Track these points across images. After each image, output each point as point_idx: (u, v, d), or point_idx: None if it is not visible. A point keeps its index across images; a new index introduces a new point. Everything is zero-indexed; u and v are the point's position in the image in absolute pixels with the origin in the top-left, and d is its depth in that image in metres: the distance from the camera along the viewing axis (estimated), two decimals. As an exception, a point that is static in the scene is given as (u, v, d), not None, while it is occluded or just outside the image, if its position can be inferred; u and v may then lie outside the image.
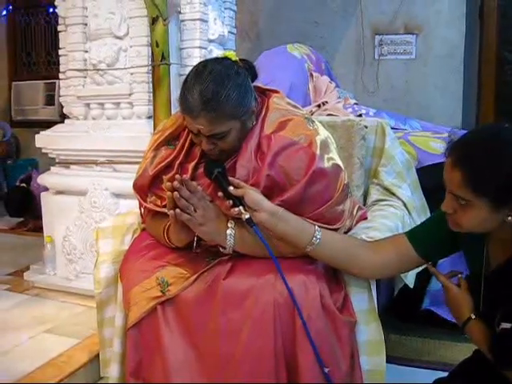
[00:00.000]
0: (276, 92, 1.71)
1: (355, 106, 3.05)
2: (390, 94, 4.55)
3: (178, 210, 1.49)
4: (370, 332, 1.56)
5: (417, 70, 4.48)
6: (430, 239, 1.51)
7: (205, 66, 1.54)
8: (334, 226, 1.59)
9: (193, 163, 1.67)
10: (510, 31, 4.39)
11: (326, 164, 1.57)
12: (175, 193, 1.47)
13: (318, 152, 1.56)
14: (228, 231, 1.54)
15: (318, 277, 1.51)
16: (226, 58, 1.60)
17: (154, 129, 2.47)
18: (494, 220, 1.25)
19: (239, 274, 1.55)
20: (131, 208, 2.10)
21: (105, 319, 1.85)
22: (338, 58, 4.65)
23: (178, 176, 1.50)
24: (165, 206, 1.62)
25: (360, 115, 2.87)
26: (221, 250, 1.59)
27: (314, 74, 3.21)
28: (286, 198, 1.53)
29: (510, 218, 1.23)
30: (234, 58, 1.60)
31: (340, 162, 1.63)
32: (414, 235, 1.54)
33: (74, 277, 2.72)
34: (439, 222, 1.46)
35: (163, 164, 1.69)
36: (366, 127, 2.27)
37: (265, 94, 1.71)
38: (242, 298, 1.49)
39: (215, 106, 1.48)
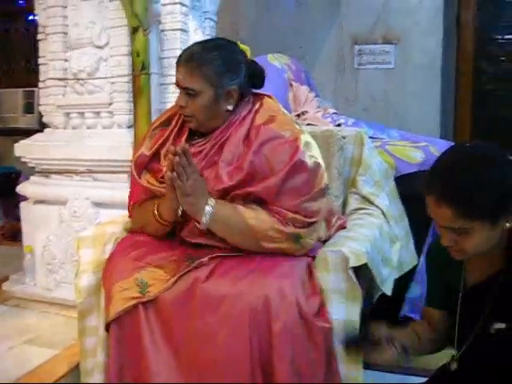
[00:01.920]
0: (270, 97, 1.85)
1: (334, 115, 3.09)
2: (370, 103, 4.59)
3: (174, 174, 1.55)
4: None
5: (395, 80, 4.53)
6: (442, 292, 1.52)
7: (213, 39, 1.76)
8: (311, 220, 1.65)
9: (184, 137, 1.78)
10: (487, 42, 4.47)
11: (308, 160, 1.65)
12: (176, 157, 1.53)
13: (301, 147, 1.64)
14: (207, 208, 1.59)
15: (294, 283, 1.53)
16: (235, 43, 1.78)
17: (135, 138, 2.48)
18: (496, 233, 1.25)
19: (218, 277, 1.58)
20: (112, 217, 2.11)
21: (86, 328, 1.85)
22: (318, 67, 4.69)
23: (183, 144, 1.61)
24: (160, 181, 1.74)
25: (339, 125, 2.91)
26: (196, 225, 1.64)
27: (294, 83, 3.25)
28: (266, 185, 1.61)
29: (507, 224, 1.23)
30: (244, 50, 1.77)
31: (321, 162, 1.72)
32: (432, 301, 1.58)
33: (55, 287, 2.70)
34: (436, 275, 1.53)
35: (160, 141, 1.81)
36: (344, 138, 2.30)
37: (260, 96, 1.83)
38: (219, 302, 1.52)
39: (196, 61, 1.65)
